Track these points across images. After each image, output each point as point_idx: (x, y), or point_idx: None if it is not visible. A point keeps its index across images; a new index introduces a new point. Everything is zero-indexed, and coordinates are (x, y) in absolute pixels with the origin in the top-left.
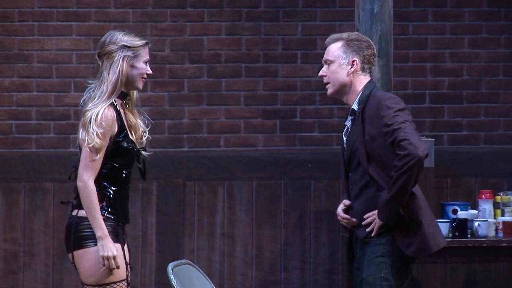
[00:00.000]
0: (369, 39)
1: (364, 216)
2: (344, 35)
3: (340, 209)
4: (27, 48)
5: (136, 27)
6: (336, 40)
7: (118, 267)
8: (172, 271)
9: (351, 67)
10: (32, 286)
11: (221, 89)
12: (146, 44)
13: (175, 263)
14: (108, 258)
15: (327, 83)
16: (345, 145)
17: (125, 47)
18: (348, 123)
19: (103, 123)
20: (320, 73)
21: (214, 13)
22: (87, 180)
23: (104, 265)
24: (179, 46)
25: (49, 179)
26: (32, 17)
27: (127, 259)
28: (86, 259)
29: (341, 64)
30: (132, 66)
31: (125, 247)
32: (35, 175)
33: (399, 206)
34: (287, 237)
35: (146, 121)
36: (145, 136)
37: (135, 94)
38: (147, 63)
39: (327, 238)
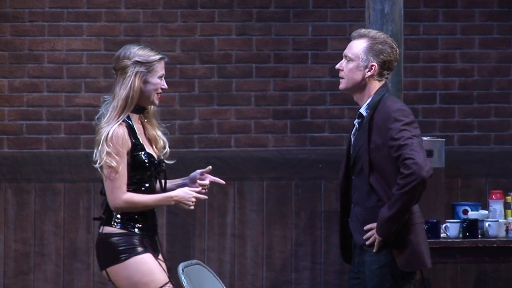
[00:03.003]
0: (394, 44)
1: (365, 228)
2: (372, 33)
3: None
4: (37, 49)
5: (147, 28)
6: (361, 37)
7: (204, 196)
8: (183, 271)
9: (369, 71)
10: (43, 287)
11: (232, 90)
12: (161, 59)
13: (185, 263)
14: (193, 204)
15: (342, 78)
16: (351, 146)
17: (139, 62)
18: (356, 124)
19: (111, 143)
20: (337, 66)
21: (224, 14)
22: (121, 198)
23: (194, 202)
24: (189, 46)
25: (60, 180)
26: (43, 17)
27: (164, 267)
28: (122, 275)
29: (359, 65)
30: (146, 82)
31: (159, 257)
32: (46, 175)
33: (399, 224)
34: (297, 238)
35: (166, 130)
36: (167, 146)
37: (152, 107)
38: (163, 78)
39: (337, 238)
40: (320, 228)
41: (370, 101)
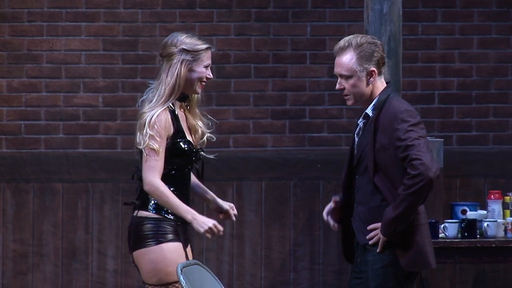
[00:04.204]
0: (374, 37)
1: (368, 228)
2: (352, 41)
3: (326, 210)
4: (36, 49)
5: (145, 28)
6: (344, 50)
7: (220, 231)
8: (181, 271)
9: (370, 77)
10: (41, 287)
11: (230, 90)
12: (208, 48)
13: (184, 263)
14: (208, 231)
15: (347, 95)
16: (355, 146)
17: (185, 50)
18: (360, 124)
19: (156, 126)
20: (338, 87)
21: (223, 14)
22: (153, 180)
23: (210, 236)
24: None
25: (58, 180)
26: (41, 17)
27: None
28: (148, 259)
29: (360, 77)
30: (191, 70)
31: (188, 248)
32: (44, 175)
33: (404, 224)
34: (296, 238)
35: (210, 122)
36: (205, 136)
37: (196, 96)
38: (208, 68)
39: (336, 238)
40: (318, 228)
41: (376, 101)
